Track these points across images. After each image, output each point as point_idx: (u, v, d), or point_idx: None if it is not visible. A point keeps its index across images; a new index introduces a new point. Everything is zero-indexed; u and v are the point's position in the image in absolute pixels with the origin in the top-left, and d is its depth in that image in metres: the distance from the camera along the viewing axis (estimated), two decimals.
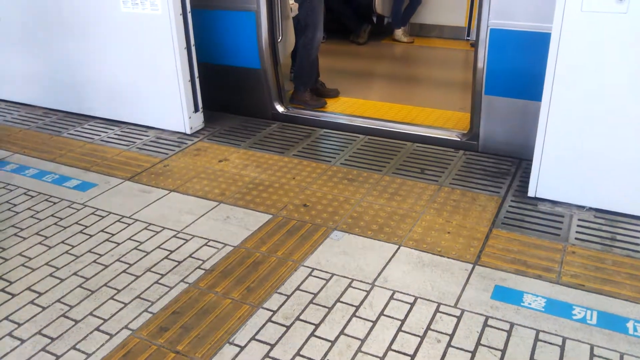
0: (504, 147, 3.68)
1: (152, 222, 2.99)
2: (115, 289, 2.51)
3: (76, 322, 2.32)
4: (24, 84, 4.67)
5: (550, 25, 3.12)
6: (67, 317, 2.35)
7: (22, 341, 2.23)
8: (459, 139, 3.83)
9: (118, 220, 3.03)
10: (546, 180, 3.06)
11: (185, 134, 4.09)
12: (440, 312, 2.30)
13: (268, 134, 4.11)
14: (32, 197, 3.29)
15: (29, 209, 3.18)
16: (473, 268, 2.56)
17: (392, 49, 6.52)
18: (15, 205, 3.22)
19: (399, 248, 2.72)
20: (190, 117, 4.06)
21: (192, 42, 3.92)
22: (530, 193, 3.13)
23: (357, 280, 2.49)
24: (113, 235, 2.90)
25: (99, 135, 4.14)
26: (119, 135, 4.14)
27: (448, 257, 2.64)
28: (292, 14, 4.64)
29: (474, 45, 6.36)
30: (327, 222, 2.94)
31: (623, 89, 2.72)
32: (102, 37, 4.06)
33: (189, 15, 3.84)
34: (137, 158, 3.75)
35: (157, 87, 4.02)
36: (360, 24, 6.60)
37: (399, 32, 6.57)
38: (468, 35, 6.76)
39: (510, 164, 3.55)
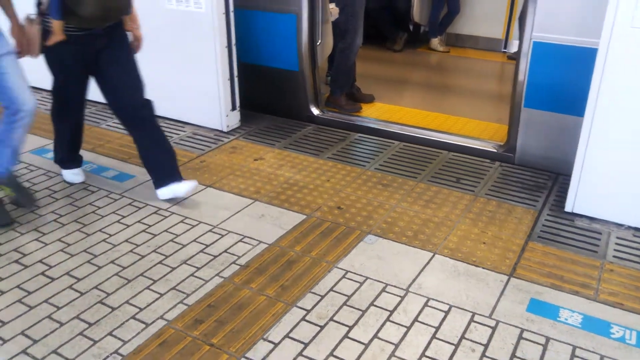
0: (540, 161, 3.64)
1: (188, 215, 3.03)
2: (151, 279, 2.55)
3: (113, 309, 2.36)
4: None
5: (596, 40, 3.10)
6: (104, 304, 2.39)
7: (61, 324, 2.27)
8: (495, 150, 3.81)
9: (155, 212, 3.07)
10: (584, 196, 3.03)
11: (221, 131, 4.14)
12: (475, 321, 2.29)
13: (303, 136, 4.13)
14: (71, 185, 3.36)
15: (68, 196, 3.24)
16: (508, 280, 2.54)
17: (427, 57, 6.51)
18: (54, 192, 3.29)
19: (433, 256, 2.71)
20: (227, 115, 4.11)
21: (234, 41, 3.97)
22: (568, 208, 3.09)
23: (391, 285, 2.49)
24: (150, 226, 2.94)
25: None
26: None
27: (483, 268, 2.62)
28: (331, 18, 4.67)
29: (512, 57, 6.36)
30: (361, 225, 2.95)
31: None
32: (144, 32, 4.12)
33: (232, 15, 3.89)
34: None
35: (196, 84, 4.08)
36: (397, 31, 6.60)
37: (435, 41, 6.55)
38: (505, 48, 6.76)
39: (547, 177, 3.51)
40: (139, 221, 3.00)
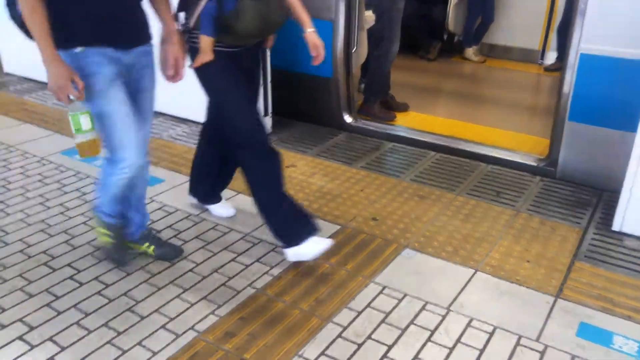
0: (583, 176, 3.49)
1: (219, 222, 2.95)
2: (181, 287, 2.47)
3: (142, 317, 2.29)
4: None
5: None
6: (134, 312, 2.31)
7: (89, 331, 2.20)
8: (535, 164, 3.66)
9: (185, 218, 3.00)
10: (634, 214, 2.87)
11: None
12: (522, 345, 2.16)
13: (335, 144, 4.04)
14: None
15: None
16: (555, 301, 2.41)
17: (461, 67, 6.38)
18: (84, 194, 3.24)
19: (475, 273, 2.58)
20: None
21: None
22: (615, 227, 2.94)
23: (432, 304, 2.37)
24: (180, 232, 2.87)
25: (168, 132, 4.16)
26: (187, 133, 4.15)
27: (528, 287, 2.49)
28: (367, 26, 4.58)
29: (548, 69, 6.20)
30: (398, 238, 2.83)
31: None
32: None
33: None
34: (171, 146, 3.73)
35: None
36: (431, 40, 6.49)
37: (469, 51, 6.41)
38: (542, 59, 6.60)
39: (590, 194, 3.36)
40: (169, 226, 2.93)
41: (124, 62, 2.21)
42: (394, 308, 2.34)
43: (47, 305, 2.34)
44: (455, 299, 2.40)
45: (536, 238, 2.88)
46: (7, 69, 5.50)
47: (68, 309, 2.32)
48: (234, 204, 3.13)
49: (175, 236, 2.84)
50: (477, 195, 3.31)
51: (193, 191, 3.03)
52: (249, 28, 2.37)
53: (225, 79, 2.49)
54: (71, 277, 2.52)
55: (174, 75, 2.42)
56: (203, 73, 2.48)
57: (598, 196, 3.34)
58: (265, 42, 2.69)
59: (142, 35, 2.29)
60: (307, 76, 4.29)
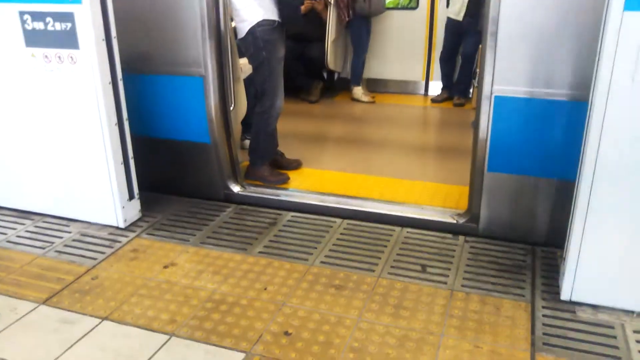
0: (509, 231, 3.09)
1: None
2: None
3: None
4: None
5: (565, 91, 2.65)
6: None
7: None
8: (455, 221, 3.22)
9: None
10: (584, 280, 2.47)
11: (118, 227, 3.26)
12: None
13: (223, 222, 3.34)
14: None
15: None
16: None
17: (348, 107, 5.96)
18: None
19: None
20: (123, 207, 3.24)
21: (125, 115, 3.14)
22: (564, 296, 2.52)
23: None
24: None
25: (4, 234, 3.24)
26: (31, 232, 3.25)
27: None
28: (243, 76, 3.98)
29: (435, 100, 5.95)
30: None
31: None
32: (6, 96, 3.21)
33: (120, 84, 3.08)
34: (56, 267, 2.88)
35: (80, 171, 3.19)
36: (312, 80, 6.02)
37: (358, 91, 6.00)
38: (426, 92, 6.37)
39: (523, 252, 2.96)
40: None
41: None
42: None
43: None
44: None
45: (482, 326, 2.38)
46: None
47: None
48: (97, 339, 2.33)
49: None
50: (401, 273, 2.77)
51: None
52: None
53: None
54: None
55: None
56: None
57: (531, 254, 2.94)
58: None
59: None
60: (179, 143, 3.58)
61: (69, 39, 2.88)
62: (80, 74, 2.94)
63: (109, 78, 2.99)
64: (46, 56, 2.96)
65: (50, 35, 2.89)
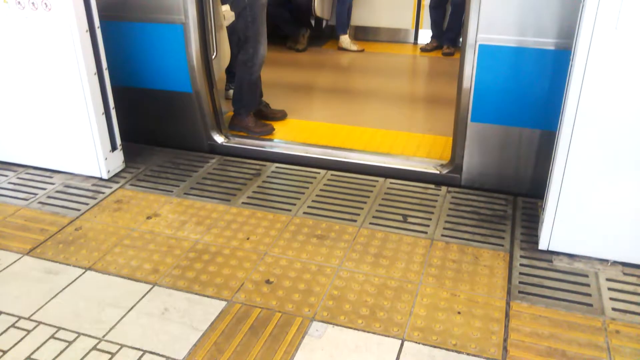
0: (491, 181, 3.12)
1: (62, 325, 2.17)
2: None
3: None
4: None
5: (551, 40, 2.62)
6: None
7: None
8: (438, 172, 3.23)
9: (12, 326, 2.18)
10: (561, 231, 2.50)
11: (101, 179, 3.25)
12: None
13: (207, 174, 3.34)
14: None
15: None
16: None
17: (336, 56, 5.87)
18: None
19: (402, 344, 2.06)
20: (106, 158, 3.22)
21: (105, 64, 3.08)
22: (542, 246, 2.56)
23: None
24: (4, 353, 2.06)
25: None
26: (14, 184, 3.24)
27: (468, 354, 2.01)
28: (225, 23, 3.88)
29: (425, 49, 5.87)
30: (301, 307, 2.24)
31: None
32: None
33: (98, 31, 3.00)
34: (40, 218, 2.89)
35: (61, 122, 3.16)
36: (299, 28, 5.90)
37: (345, 39, 5.89)
38: (416, 40, 6.27)
39: (504, 202, 2.99)
40: None
41: None
42: None
43: None
44: None
45: (460, 275, 2.42)
46: None
47: None
48: (80, 288, 2.36)
49: None
50: (382, 224, 2.80)
51: None
52: None
53: None
54: None
55: None
56: None
57: (512, 204, 2.96)
58: None
59: None
60: (161, 92, 3.54)
61: None
62: (56, 21, 2.86)
63: (86, 26, 2.92)
64: (19, 2, 2.87)
65: None
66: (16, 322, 2.18)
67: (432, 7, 5.72)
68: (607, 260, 2.50)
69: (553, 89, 2.71)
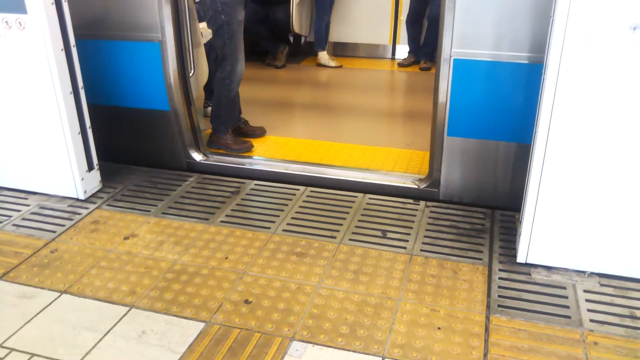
0: (469, 194, 3.14)
1: (35, 351, 2.12)
2: None
3: None
4: None
5: (525, 54, 2.66)
6: None
7: None
8: (416, 187, 3.25)
9: None
10: (538, 243, 2.52)
11: (77, 199, 3.21)
12: None
13: (185, 192, 3.31)
14: None
15: None
16: None
17: (314, 73, 5.90)
18: None
19: None
20: (83, 179, 3.18)
21: (81, 83, 3.05)
22: (520, 259, 2.58)
23: None
24: None
25: None
26: None
27: None
28: (203, 40, 3.89)
29: (402, 64, 5.92)
30: (281, 327, 2.22)
31: (636, 134, 2.22)
32: None
33: (74, 50, 2.98)
34: (14, 241, 2.84)
35: (36, 142, 3.12)
36: (277, 45, 5.92)
37: (324, 55, 5.93)
38: (393, 56, 6.33)
39: (482, 216, 3.01)
40: None
41: None
42: None
43: None
44: None
45: (440, 290, 2.43)
46: None
47: None
48: (55, 312, 2.31)
49: None
50: (362, 239, 2.80)
51: None
52: None
53: None
54: None
55: None
56: None
57: (490, 218, 2.99)
58: None
59: None
60: (138, 111, 3.52)
61: (15, 3, 2.76)
62: (30, 41, 2.84)
63: (61, 44, 2.90)
64: None
65: None
66: None
67: (409, 23, 5.79)
68: (584, 272, 2.52)
69: (528, 102, 2.75)
